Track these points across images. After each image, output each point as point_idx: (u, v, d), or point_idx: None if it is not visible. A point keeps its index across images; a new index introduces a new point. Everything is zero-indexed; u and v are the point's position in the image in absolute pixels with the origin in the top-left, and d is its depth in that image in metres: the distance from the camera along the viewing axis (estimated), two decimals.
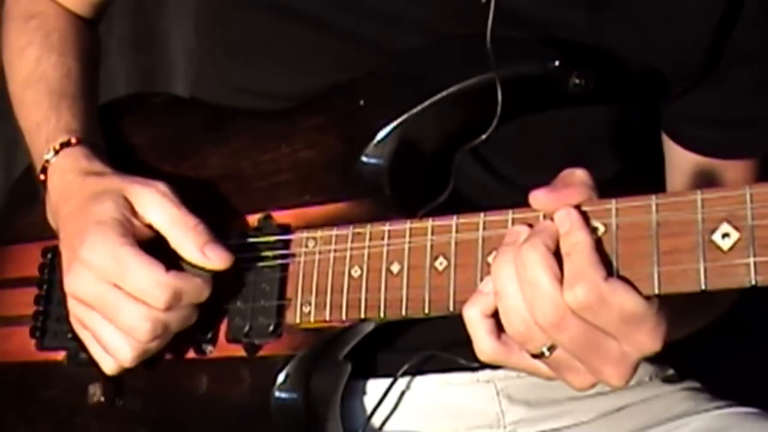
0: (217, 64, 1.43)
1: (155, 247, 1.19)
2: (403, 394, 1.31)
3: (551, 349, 1.01)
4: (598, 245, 1.00)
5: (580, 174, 1.04)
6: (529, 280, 0.98)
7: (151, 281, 1.15)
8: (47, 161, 1.31)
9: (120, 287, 1.16)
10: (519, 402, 1.32)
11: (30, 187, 1.37)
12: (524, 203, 1.08)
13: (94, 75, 1.45)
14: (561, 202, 1.02)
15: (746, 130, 1.35)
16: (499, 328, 1.02)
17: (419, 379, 1.31)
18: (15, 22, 1.47)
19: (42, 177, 1.32)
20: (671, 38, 1.26)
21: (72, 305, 1.22)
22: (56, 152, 1.30)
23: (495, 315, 1.02)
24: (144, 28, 2.43)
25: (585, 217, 1.01)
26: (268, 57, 1.34)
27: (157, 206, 1.20)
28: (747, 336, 1.78)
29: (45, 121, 1.34)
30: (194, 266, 1.18)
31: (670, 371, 1.39)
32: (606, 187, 1.04)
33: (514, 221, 1.06)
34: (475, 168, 1.28)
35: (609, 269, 0.99)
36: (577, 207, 1.02)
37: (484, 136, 1.17)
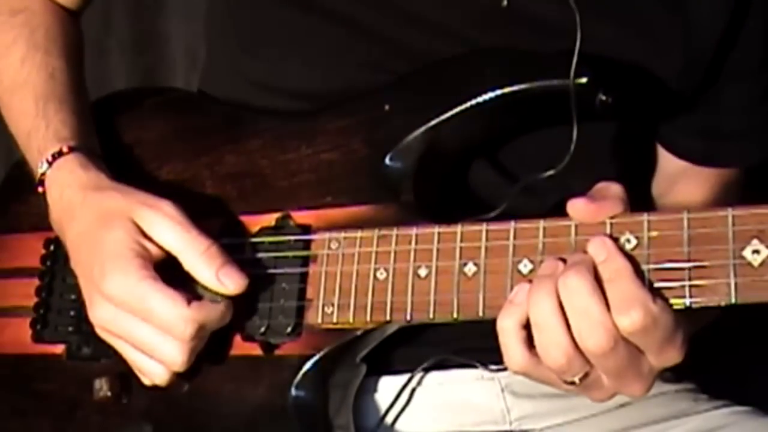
0: (232, 61, 1.41)
1: (171, 265, 1.19)
2: (409, 391, 1.31)
3: (583, 377, 1.04)
4: (631, 258, 1.02)
5: (615, 188, 1.07)
6: (578, 309, 1.00)
7: (174, 316, 1.15)
8: (43, 174, 1.30)
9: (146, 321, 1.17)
10: (524, 398, 1.32)
11: (25, 176, 1.35)
12: (533, 205, 1.13)
13: (79, 72, 1.43)
14: (599, 213, 1.05)
15: (737, 141, 1.37)
16: (531, 340, 1.04)
17: (425, 376, 1.31)
18: (1, 17, 1.44)
19: (41, 189, 1.30)
20: (676, 53, 1.28)
21: (99, 331, 1.22)
22: (50, 164, 1.29)
23: (528, 326, 1.03)
24: (144, 28, 2.41)
25: (616, 239, 1.03)
26: (288, 53, 1.34)
27: (166, 230, 1.19)
28: (741, 338, 1.80)
29: (35, 130, 1.33)
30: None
31: (667, 372, 1.40)
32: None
33: (545, 230, 1.07)
34: (487, 169, 1.28)
35: (642, 275, 1.02)
36: (612, 218, 1.04)
37: (561, 166, 1.16)
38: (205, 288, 1.18)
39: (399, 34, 1.28)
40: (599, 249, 1.03)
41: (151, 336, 1.17)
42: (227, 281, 1.17)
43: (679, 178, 1.40)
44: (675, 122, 1.36)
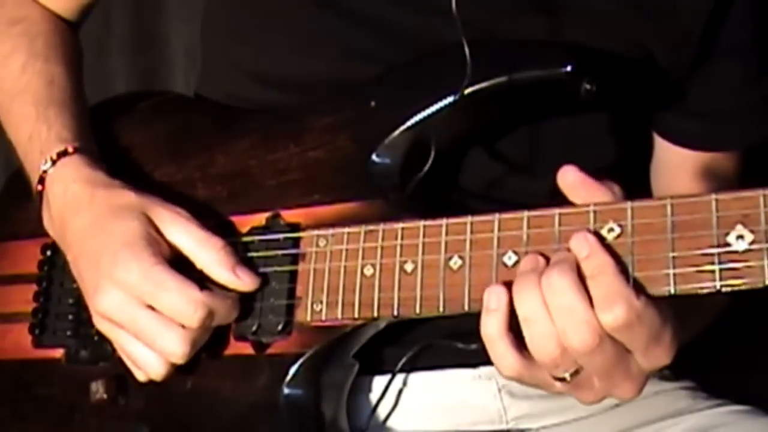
0: (223, 50, 1.41)
1: (179, 267, 1.19)
2: (405, 390, 1.31)
3: (574, 374, 1.03)
4: (614, 248, 1.01)
5: (613, 185, 1.05)
6: (562, 308, 1.00)
7: (186, 299, 1.15)
8: (45, 172, 1.30)
9: (153, 308, 1.17)
10: (520, 398, 1.32)
11: (23, 184, 1.36)
12: (530, 189, 1.12)
13: (79, 79, 1.44)
14: (587, 188, 1.04)
15: (731, 122, 1.36)
16: (519, 343, 1.03)
17: (421, 376, 1.31)
18: (0, 26, 1.45)
19: (39, 188, 1.30)
20: (668, 27, 1.27)
21: (98, 322, 1.22)
22: (53, 162, 1.29)
23: (512, 330, 1.03)
24: (144, 28, 2.42)
25: (601, 238, 1.02)
26: (276, 39, 1.33)
27: (181, 228, 1.20)
28: (740, 337, 1.80)
29: (36, 134, 1.33)
30: (220, 287, 1.19)
31: (666, 371, 1.40)
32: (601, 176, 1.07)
33: (529, 220, 1.07)
34: (482, 153, 1.28)
35: (626, 271, 1.00)
36: (595, 206, 1.04)
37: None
38: (217, 287, 1.19)
39: (386, 14, 1.27)
40: (581, 245, 1.02)
41: (154, 324, 1.17)
42: (243, 275, 1.18)
43: (676, 168, 1.39)
44: (669, 106, 1.35)
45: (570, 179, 1.05)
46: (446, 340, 1.23)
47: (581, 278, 1.00)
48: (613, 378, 1.03)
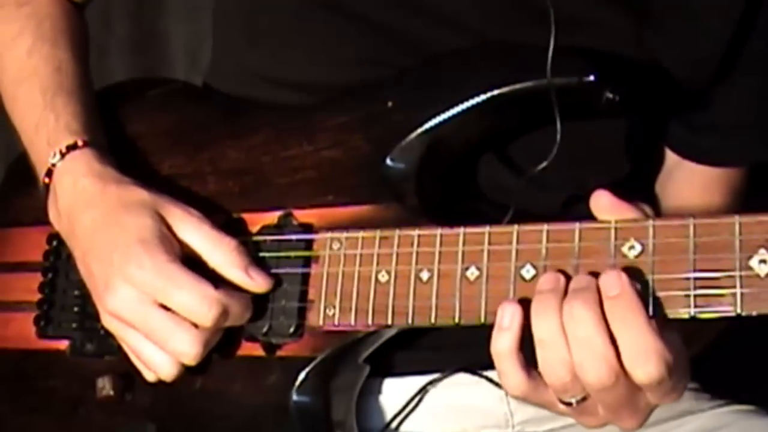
0: (235, 51, 1.40)
1: (191, 267, 1.17)
2: (412, 393, 1.30)
3: (581, 400, 1.02)
4: (635, 267, 1.01)
5: (645, 206, 1.05)
6: (581, 339, 0.99)
7: (200, 296, 1.14)
8: (53, 165, 1.28)
9: (165, 307, 1.15)
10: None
11: (26, 171, 1.34)
12: (537, 200, 1.11)
13: (86, 66, 1.42)
14: (619, 212, 1.04)
15: (744, 138, 1.36)
16: (528, 362, 1.03)
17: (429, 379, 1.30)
18: (6, 7, 1.43)
19: (47, 180, 1.28)
20: (692, 40, 1.27)
21: (108, 321, 1.20)
22: (62, 155, 1.27)
23: (522, 349, 1.02)
24: (144, 28, 2.41)
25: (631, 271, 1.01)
26: (289, 43, 1.32)
27: (194, 227, 1.19)
28: (743, 335, 1.80)
29: (44, 123, 1.31)
30: (232, 288, 1.17)
31: None
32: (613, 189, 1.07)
33: (548, 233, 1.06)
34: (493, 160, 1.27)
35: (645, 292, 1.00)
36: (616, 223, 1.03)
37: (544, 164, 1.16)
38: (230, 287, 1.17)
39: (401, 25, 1.26)
40: (613, 282, 1.00)
41: (167, 323, 1.15)
42: (256, 276, 1.17)
43: (685, 181, 1.39)
44: (683, 121, 1.35)
45: (603, 203, 1.05)
46: (479, 372, 1.24)
47: (602, 309, 0.99)
48: (620, 412, 1.03)
